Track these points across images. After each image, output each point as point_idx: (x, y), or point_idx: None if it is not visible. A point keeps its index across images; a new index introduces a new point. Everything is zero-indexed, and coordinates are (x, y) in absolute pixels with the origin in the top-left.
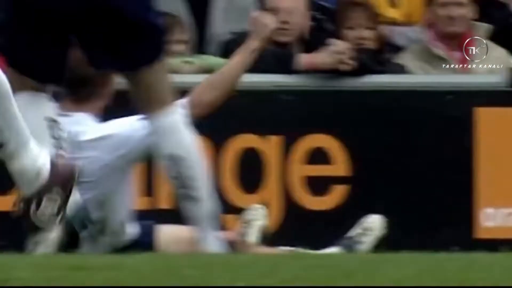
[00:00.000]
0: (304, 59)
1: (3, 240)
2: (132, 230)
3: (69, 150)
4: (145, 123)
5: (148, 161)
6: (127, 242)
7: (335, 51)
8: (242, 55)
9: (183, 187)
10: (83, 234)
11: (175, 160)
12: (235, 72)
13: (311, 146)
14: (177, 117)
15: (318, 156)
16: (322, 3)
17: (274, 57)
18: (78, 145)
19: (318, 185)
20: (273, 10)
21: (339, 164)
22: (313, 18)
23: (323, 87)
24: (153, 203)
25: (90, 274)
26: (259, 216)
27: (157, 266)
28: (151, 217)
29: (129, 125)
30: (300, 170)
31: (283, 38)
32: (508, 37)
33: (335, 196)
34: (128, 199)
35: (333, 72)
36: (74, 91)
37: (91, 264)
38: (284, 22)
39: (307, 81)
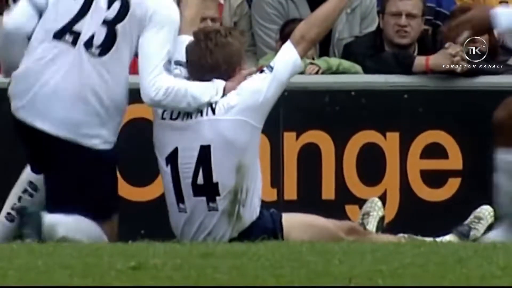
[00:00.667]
0: (421, 61)
1: (142, 229)
2: (256, 210)
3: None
4: (263, 74)
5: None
6: (252, 221)
7: (451, 54)
8: None
9: None
10: None
11: None
12: (335, 10)
13: (428, 141)
14: None
15: (434, 151)
16: (438, 8)
17: (395, 59)
18: (218, 110)
19: (433, 178)
20: (396, 14)
21: (453, 158)
22: (430, 23)
23: (440, 87)
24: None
25: (217, 261)
26: (376, 208)
27: (280, 253)
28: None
29: (252, 80)
30: (417, 164)
31: (403, 41)
32: None
33: (449, 188)
34: (258, 172)
35: (449, 73)
36: (203, 77)
37: (218, 251)
38: (405, 26)
39: (425, 81)
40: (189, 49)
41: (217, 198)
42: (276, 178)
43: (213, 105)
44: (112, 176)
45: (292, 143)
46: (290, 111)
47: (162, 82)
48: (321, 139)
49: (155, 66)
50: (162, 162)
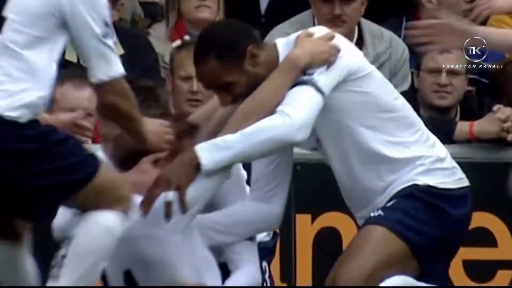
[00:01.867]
0: (464, 127)
1: None
2: None
3: None
4: None
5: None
6: None
7: (500, 118)
8: (286, 74)
9: None
10: None
11: None
12: (278, 95)
13: (472, 226)
14: None
15: (480, 238)
16: (482, 62)
17: (433, 125)
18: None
19: (479, 270)
20: (434, 71)
21: (504, 247)
22: (474, 82)
23: (487, 159)
24: None
25: None
26: None
27: None
28: None
29: None
30: (459, 253)
31: (443, 102)
32: None
33: (498, 283)
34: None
35: (498, 142)
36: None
37: None
38: (446, 85)
39: (469, 152)
40: None
41: None
42: (287, 271)
43: None
44: None
45: (306, 228)
46: (303, 189)
47: None
48: (341, 222)
49: None
50: None
